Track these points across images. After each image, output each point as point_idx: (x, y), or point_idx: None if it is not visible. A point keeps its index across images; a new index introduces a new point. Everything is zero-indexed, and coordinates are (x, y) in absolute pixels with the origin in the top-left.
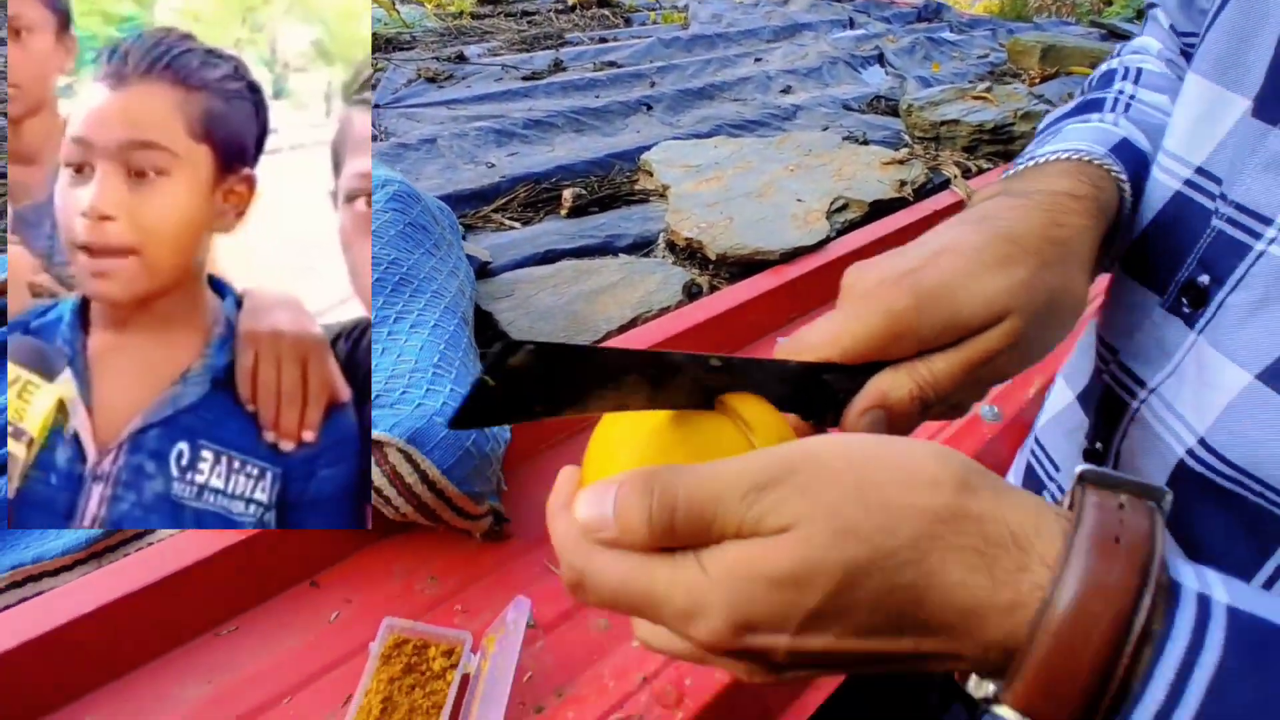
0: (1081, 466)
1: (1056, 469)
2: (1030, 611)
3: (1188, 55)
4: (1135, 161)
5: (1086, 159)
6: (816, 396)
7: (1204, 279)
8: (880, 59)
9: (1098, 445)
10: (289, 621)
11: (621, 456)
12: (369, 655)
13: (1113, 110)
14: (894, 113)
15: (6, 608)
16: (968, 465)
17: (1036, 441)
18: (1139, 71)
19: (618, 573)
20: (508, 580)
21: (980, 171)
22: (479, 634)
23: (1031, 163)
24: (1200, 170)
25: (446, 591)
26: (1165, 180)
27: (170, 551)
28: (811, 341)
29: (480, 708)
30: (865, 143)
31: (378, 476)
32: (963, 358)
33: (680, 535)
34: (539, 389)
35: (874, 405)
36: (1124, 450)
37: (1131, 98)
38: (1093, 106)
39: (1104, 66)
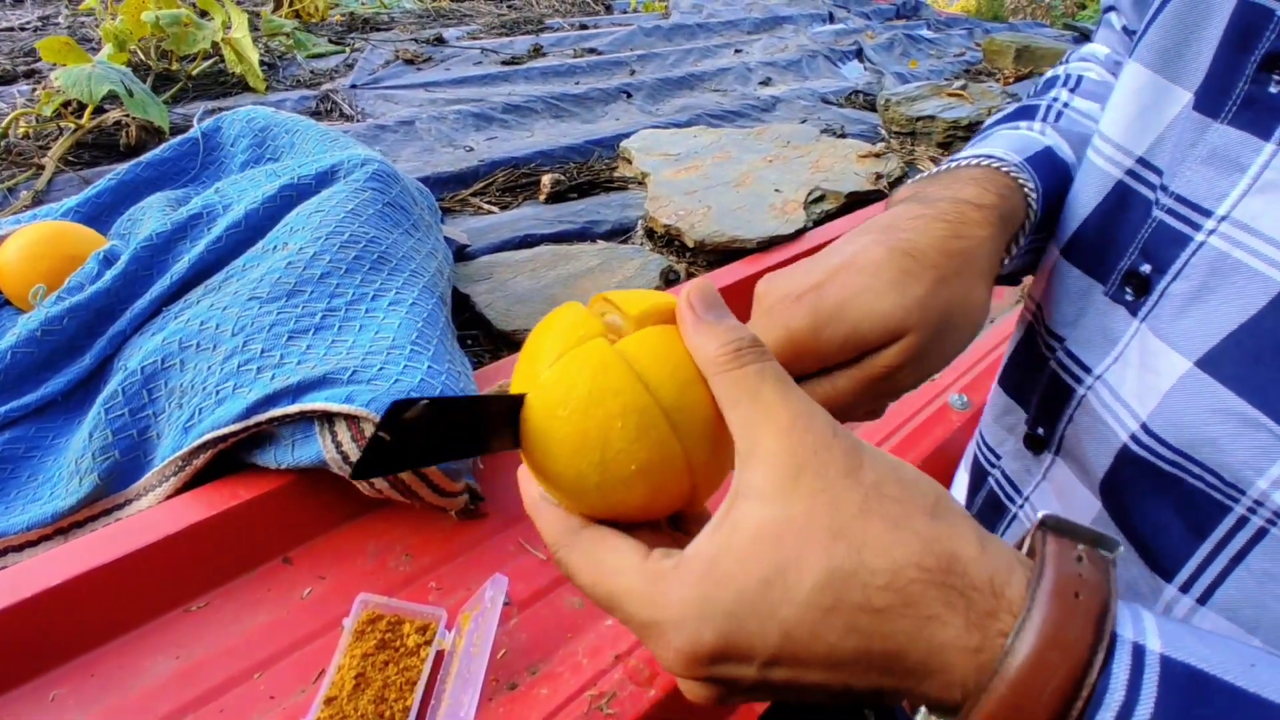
0: (1043, 513)
1: (998, 457)
2: (992, 657)
3: None
4: (1055, 170)
5: (998, 167)
6: None
7: (1146, 268)
8: (859, 54)
9: (1039, 430)
10: (261, 598)
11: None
12: (342, 631)
13: (1043, 119)
14: (871, 107)
15: None
16: (960, 509)
17: (979, 432)
18: (1079, 79)
19: (591, 572)
20: (482, 558)
21: None
22: (454, 611)
23: (951, 165)
24: (1141, 160)
25: (421, 569)
26: (1107, 169)
27: (139, 527)
28: None
29: (456, 684)
30: (843, 136)
31: (354, 451)
32: (863, 375)
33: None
34: (439, 438)
35: None
36: (1068, 435)
37: (1065, 105)
38: (1026, 113)
39: (1050, 73)
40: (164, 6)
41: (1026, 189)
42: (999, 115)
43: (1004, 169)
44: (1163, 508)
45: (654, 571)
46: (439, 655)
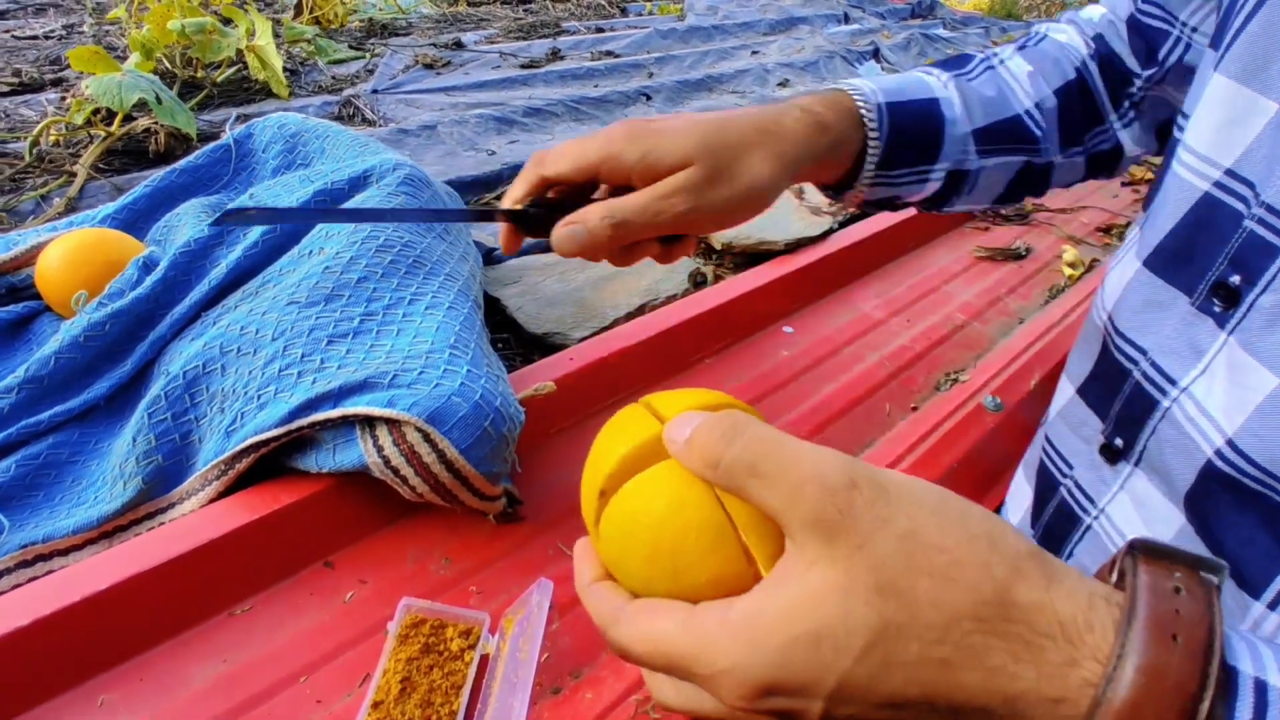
0: (1132, 536)
1: (1070, 466)
2: (1080, 708)
3: (1136, 26)
4: (923, 119)
5: (851, 94)
6: (541, 221)
7: (1235, 279)
8: (876, 54)
9: (1117, 441)
10: (304, 602)
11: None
12: (386, 635)
13: (967, 71)
14: None
15: (17, 586)
16: (1022, 545)
17: (1048, 439)
18: (1043, 37)
19: (641, 644)
20: (522, 562)
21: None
22: (496, 615)
23: (837, 87)
24: (1230, 172)
25: (461, 573)
26: (1193, 180)
27: (183, 531)
28: (552, 158)
29: (503, 688)
30: None
31: (395, 456)
32: (647, 193)
33: (732, 475)
34: None
35: (573, 221)
36: (1150, 447)
37: (1001, 62)
38: (960, 62)
39: (1033, 27)
40: (189, 15)
41: (867, 118)
42: (941, 60)
43: (856, 98)
44: (1249, 524)
45: (700, 628)
46: (483, 659)
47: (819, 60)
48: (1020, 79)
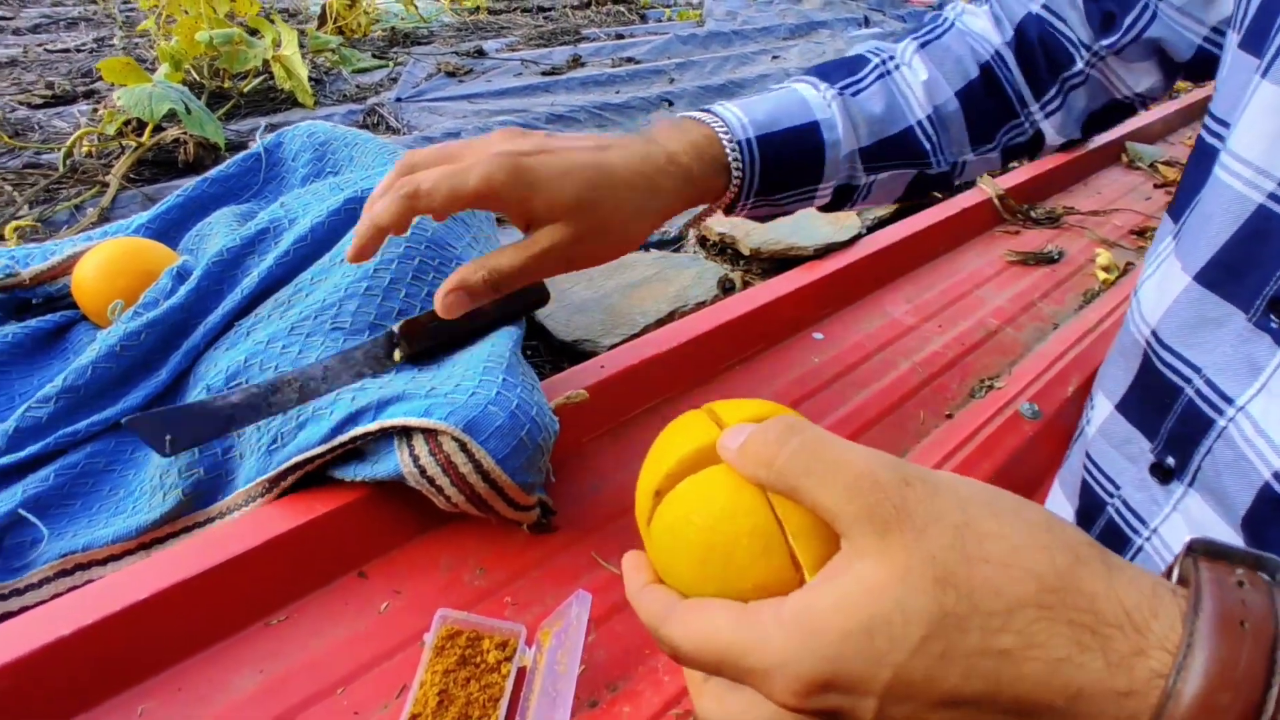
0: (1190, 537)
1: (1117, 486)
2: (1149, 701)
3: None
4: (797, 142)
5: (718, 134)
6: None
7: None
8: None
9: (1169, 460)
10: (339, 612)
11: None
12: (423, 647)
13: (858, 80)
14: None
15: (57, 595)
16: (1079, 535)
17: (1089, 457)
18: (949, 27)
19: (693, 641)
20: (556, 573)
21: (1006, 169)
22: (532, 626)
23: (700, 112)
24: None
25: (495, 583)
26: (1246, 192)
27: (220, 540)
28: (426, 189)
29: (541, 702)
30: None
31: (431, 465)
32: (522, 252)
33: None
34: None
35: (455, 288)
36: (1206, 467)
37: (897, 67)
38: (853, 67)
39: (947, 8)
40: (216, 27)
41: (731, 163)
42: (841, 58)
43: (722, 138)
44: None
45: (752, 622)
46: (520, 672)
47: None
48: (914, 88)
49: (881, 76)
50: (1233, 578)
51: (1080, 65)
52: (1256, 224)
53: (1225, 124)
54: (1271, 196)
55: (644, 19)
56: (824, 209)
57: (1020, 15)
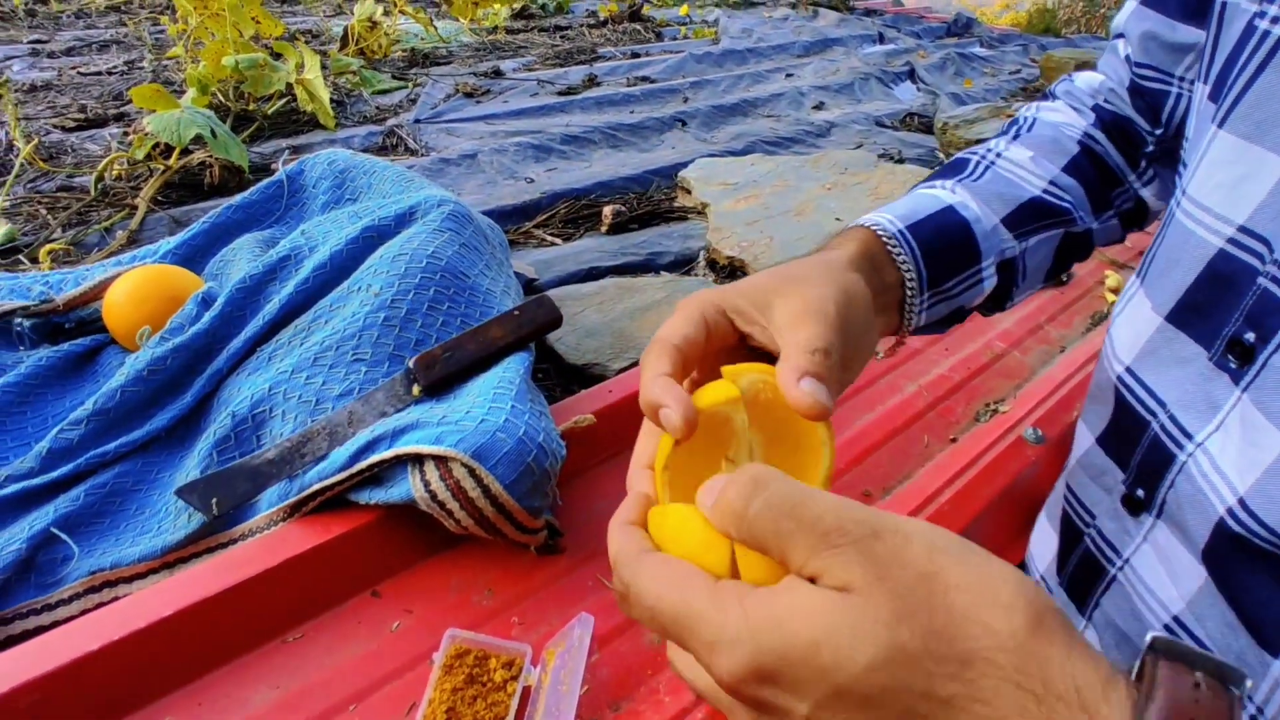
0: (1152, 634)
1: (1093, 516)
2: None
3: (1137, 90)
4: (944, 226)
5: (874, 230)
6: None
7: (1250, 336)
8: (911, 75)
9: (1139, 493)
10: (352, 630)
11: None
12: (432, 665)
13: (969, 174)
14: (928, 130)
15: (85, 611)
16: (1046, 601)
17: (1069, 488)
18: (1033, 123)
19: (658, 589)
20: (562, 594)
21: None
22: (538, 646)
23: (854, 224)
24: (1243, 229)
25: (503, 604)
26: (1207, 237)
27: (240, 560)
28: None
29: None
30: (901, 161)
31: (441, 490)
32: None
33: (757, 534)
34: None
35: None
36: (1170, 500)
37: (998, 157)
38: (956, 168)
39: (1021, 111)
40: (242, 51)
41: (896, 257)
42: (939, 169)
43: (878, 233)
44: (1265, 584)
45: (717, 596)
46: (525, 691)
47: (854, 82)
48: (1024, 164)
49: (989, 166)
50: (1190, 679)
51: (1151, 144)
52: (1217, 267)
53: (1186, 166)
54: (1231, 241)
55: (660, 37)
56: (988, 307)
57: (1091, 104)
